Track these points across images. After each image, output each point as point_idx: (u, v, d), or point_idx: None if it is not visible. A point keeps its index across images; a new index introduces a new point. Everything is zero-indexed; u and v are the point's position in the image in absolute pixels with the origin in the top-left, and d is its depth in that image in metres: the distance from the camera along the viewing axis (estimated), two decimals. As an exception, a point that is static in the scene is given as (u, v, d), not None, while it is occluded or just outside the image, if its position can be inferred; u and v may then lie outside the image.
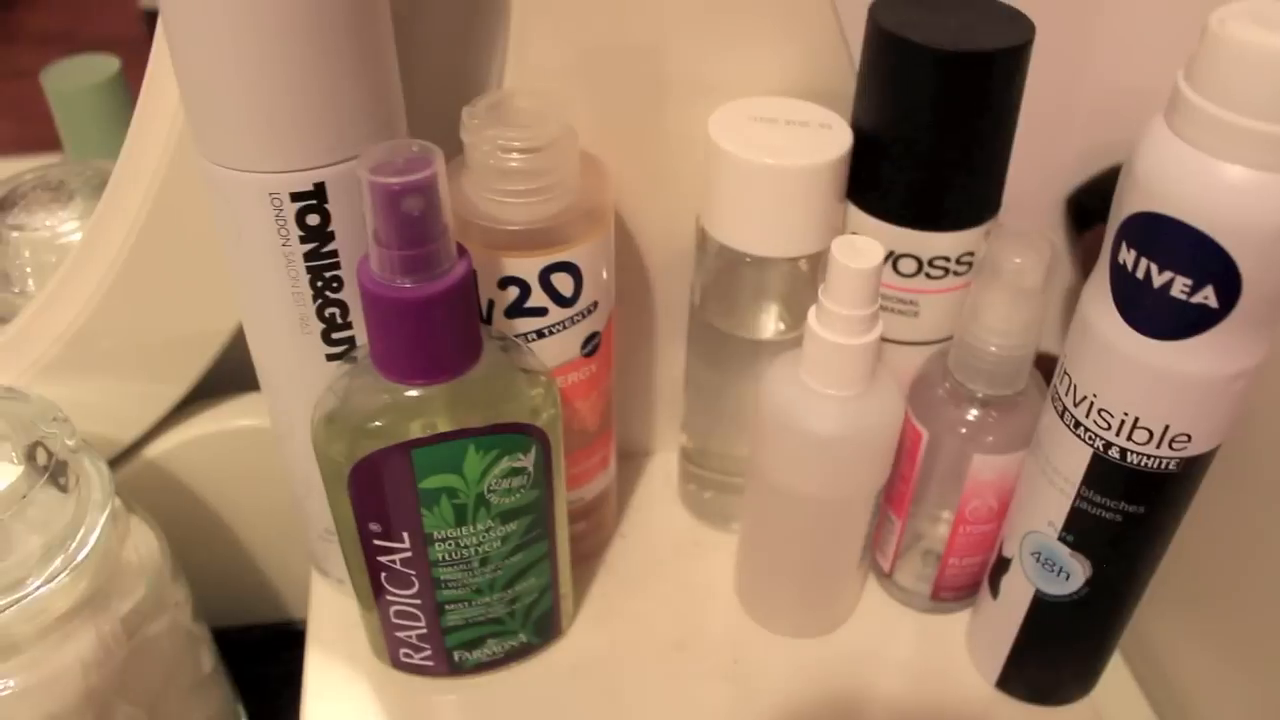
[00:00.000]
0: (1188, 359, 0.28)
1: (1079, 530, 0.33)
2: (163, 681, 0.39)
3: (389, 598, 0.36)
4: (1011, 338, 0.35)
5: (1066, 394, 0.32)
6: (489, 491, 0.34)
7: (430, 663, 0.39)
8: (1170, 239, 0.27)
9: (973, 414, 0.37)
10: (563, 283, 0.35)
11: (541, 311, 0.36)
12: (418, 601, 0.36)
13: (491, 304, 0.35)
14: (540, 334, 0.36)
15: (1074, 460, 0.32)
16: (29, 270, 0.46)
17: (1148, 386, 0.29)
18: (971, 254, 0.37)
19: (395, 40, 0.31)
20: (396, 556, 0.35)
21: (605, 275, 0.37)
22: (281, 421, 0.37)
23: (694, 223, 0.40)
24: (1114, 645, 0.38)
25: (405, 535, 0.34)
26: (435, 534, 0.34)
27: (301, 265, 0.32)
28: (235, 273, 0.33)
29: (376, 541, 0.34)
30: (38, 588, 0.33)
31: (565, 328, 0.36)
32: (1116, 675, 0.43)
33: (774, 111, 0.37)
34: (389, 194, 0.28)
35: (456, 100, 0.34)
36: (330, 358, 0.34)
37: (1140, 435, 0.30)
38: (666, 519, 0.47)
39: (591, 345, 0.38)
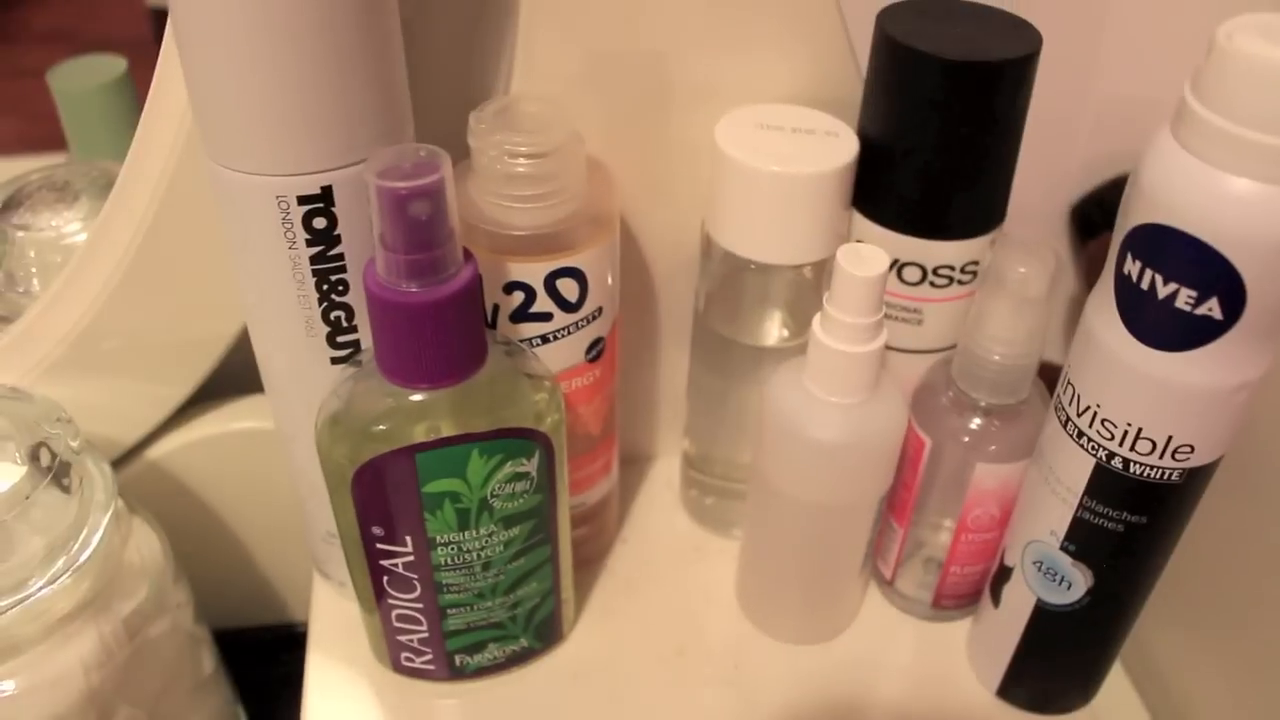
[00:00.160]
0: (1192, 370, 0.28)
1: (1081, 540, 0.33)
2: (164, 683, 0.39)
3: (391, 601, 0.36)
4: (1015, 347, 0.35)
5: (1070, 404, 0.32)
6: (492, 496, 0.34)
7: (431, 667, 0.39)
8: (1175, 251, 0.27)
9: (976, 422, 0.37)
10: (568, 288, 0.35)
11: (546, 317, 0.36)
12: (419, 605, 0.36)
13: (496, 309, 0.35)
14: (545, 339, 0.36)
15: (1077, 470, 0.32)
16: (34, 270, 0.45)
17: (1151, 397, 0.29)
18: (976, 263, 0.37)
19: (403, 44, 0.31)
20: (399, 560, 0.35)
21: (610, 281, 0.37)
22: (285, 424, 0.37)
23: (699, 229, 0.40)
24: (1115, 655, 0.38)
25: (408, 539, 0.34)
26: (438, 538, 0.34)
27: (307, 268, 0.32)
28: (241, 275, 0.33)
29: (379, 545, 0.34)
30: (40, 589, 0.33)
31: (570, 333, 0.36)
32: (1117, 685, 0.43)
33: (780, 119, 0.37)
34: (396, 198, 0.28)
35: (463, 105, 0.34)
36: (335, 361, 0.34)
37: (1143, 446, 0.30)
38: (668, 524, 0.47)
39: (596, 351, 0.38)
